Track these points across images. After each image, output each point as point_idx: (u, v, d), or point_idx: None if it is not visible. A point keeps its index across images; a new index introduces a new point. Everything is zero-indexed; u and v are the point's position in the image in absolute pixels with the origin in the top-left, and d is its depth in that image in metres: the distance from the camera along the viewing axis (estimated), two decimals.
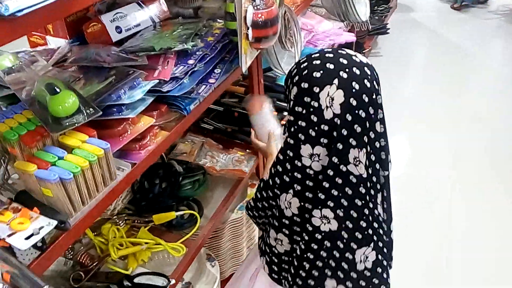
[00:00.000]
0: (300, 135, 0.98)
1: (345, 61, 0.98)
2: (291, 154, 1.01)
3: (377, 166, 1.01)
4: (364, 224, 1.02)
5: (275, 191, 1.07)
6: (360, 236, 1.02)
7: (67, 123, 0.97)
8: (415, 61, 4.41)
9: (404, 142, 3.20)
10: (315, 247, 1.03)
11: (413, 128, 3.33)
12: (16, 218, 0.86)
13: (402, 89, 3.81)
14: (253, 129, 1.46)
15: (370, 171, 0.99)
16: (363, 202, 1.00)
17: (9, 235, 0.83)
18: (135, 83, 1.13)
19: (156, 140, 1.14)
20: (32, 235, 0.84)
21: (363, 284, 1.06)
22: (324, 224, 1.01)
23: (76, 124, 0.97)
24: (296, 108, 1.00)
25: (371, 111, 0.97)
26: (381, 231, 1.06)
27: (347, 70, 0.96)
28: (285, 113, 2.00)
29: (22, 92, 1.06)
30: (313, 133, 0.96)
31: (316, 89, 0.96)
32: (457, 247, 2.38)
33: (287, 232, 1.08)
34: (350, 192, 0.98)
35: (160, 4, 1.52)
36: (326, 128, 0.96)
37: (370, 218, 1.03)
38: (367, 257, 1.05)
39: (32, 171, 0.89)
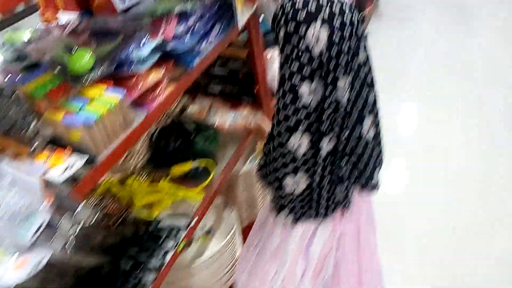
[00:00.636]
0: (295, 75, 1.07)
1: (325, 1, 1.06)
2: (289, 98, 1.10)
3: (365, 90, 1.12)
4: (352, 141, 1.17)
5: (283, 139, 1.15)
6: (351, 151, 1.18)
7: (85, 78, 1.12)
8: (417, 20, 4.42)
9: (410, 104, 3.25)
10: (320, 171, 1.17)
11: (420, 90, 3.37)
12: (52, 156, 1.01)
13: (404, 53, 3.85)
14: None
15: (356, 95, 1.10)
16: (353, 124, 1.13)
17: (46, 170, 0.98)
18: (142, 42, 1.26)
19: (166, 92, 1.28)
20: (66, 169, 0.99)
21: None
22: (325, 150, 1.14)
23: (93, 79, 1.12)
24: (286, 48, 1.08)
25: (354, 42, 1.06)
26: (367, 150, 1.19)
27: (328, 7, 1.04)
28: None
29: (43, 59, 1.22)
30: (308, 70, 1.06)
31: (302, 29, 1.03)
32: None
33: (303, 170, 1.18)
34: (340, 117, 1.10)
35: None
36: (317, 63, 1.05)
37: (359, 136, 1.17)
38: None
39: (60, 118, 1.04)
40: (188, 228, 1.47)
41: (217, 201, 1.85)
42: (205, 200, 1.57)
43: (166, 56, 1.32)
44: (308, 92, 1.08)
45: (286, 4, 1.11)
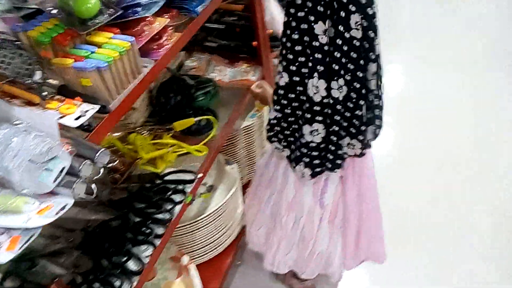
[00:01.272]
0: (309, 16, 1.06)
1: None
2: (307, 38, 1.08)
3: (371, 33, 1.10)
4: (366, 88, 1.15)
5: (302, 83, 1.14)
6: (364, 92, 1.15)
7: (93, 23, 1.07)
8: None
9: (400, 64, 3.24)
10: (337, 117, 1.16)
11: (413, 51, 3.37)
12: (63, 105, 0.97)
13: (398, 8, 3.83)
14: None
15: (367, 38, 1.09)
16: (361, 62, 1.11)
17: (60, 118, 0.95)
18: None
19: (172, 40, 1.24)
20: (80, 116, 0.96)
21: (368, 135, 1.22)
22: (340, 93, 1.13)
23: (100, 23, 1.07)
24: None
25: None
26: (376, 92, 1.18)
27: None
28: None
29: (45, 5, 1.16)
30: (321, 8, 1.05)
31: None
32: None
33: (320, 118, 1.17)
34: (354, 55, 1.09)
35: None
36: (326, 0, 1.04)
37: (372, 83, 1.16)
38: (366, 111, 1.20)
39: (70, 64, 1.00)
40: (195, 182, 1.46)
41: (218, 157, 1.84)
42: (208, 155, 1.56)
43: (169, 3, 1.28)
44: (322, 33, 1.07)
45: None
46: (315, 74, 1.11)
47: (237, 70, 1.88)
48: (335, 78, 1.11)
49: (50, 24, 1.09)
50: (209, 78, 1.82)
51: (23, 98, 0.97)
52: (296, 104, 1.21)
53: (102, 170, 0.89)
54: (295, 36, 1.10)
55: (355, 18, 1.06)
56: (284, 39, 1.15)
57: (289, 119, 1.25)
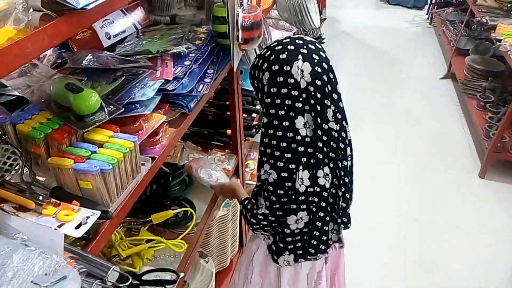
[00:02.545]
0: (289, 112, 1.12)
1: (300, 41, 1.15)
2: (290, 134, 1.13)
3: (344, 123, 1.18)
4: (346, 173, 1.22)
5: (290, 178, 1.15)
6: (344, 183, 1.22)
7: (92, 120, 1.01)
8: (345, 68, 4.73)
9: None
10: (323, 204, 1.20)
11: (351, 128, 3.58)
12: (59, 211, 0.88)
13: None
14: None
15: (339, 127, 1.17)
16: (341, 152, 1.18)
17: (58, 226, 0.85)
18: (144, 82, 1.19)
19: (167, 136, 1.20)
20: (80, 224, 0.87)
21: (345, 220, 1.28)
22: (327, 181, 1.17)
23: (101, 121, 1.01)
24: (271, 90, 1.13)
25: (331, 75, 1.15)
26: (347, 179, 1.24)
27: (304, 47, 1.13)
28: (254, 115, 2.12)
29: (32, 95, 1.09)
30: (299, 104, 1.11)
31: (287, 68, 1.11)
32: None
33: (304, 206, 1.19)
34: (334, 145, 1.16)
35: (141, 11, 1.59)
36: (304, 95, 1.11)
37: (349, 168, 1.23)
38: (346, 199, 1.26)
39: (70, 165, 0.91)
40: (177, 283, 1.35)
41: None
42: (188, 250, 1.48)
43: (160, 99, 1.25)
44: (302, 126, 1.13)
45: (264, 53, 1.17)
46: (300, 167, 1.14)
47: (212, 157, 1.86)
48: (321, 167, 1.16)
49: (42, 118, 1.02)
50: (183, 165, 1.77)
51: (14, 202, 0.87)
52: (285, 199, 1.21)
53: None
54: (279, 133, 1.13)
55: (331, 112, 1.14)
56: (266, 139, 1.17)
57: (278, 213, 1.24)
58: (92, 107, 1.02)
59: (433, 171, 3.12)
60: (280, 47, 1.14)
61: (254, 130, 2.04)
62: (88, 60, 1.25)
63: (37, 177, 0.99)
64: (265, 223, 1.27)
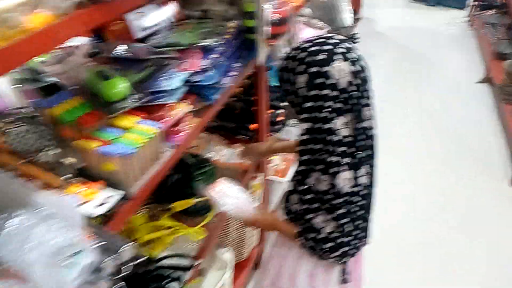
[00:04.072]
0: (327, 113, 1.10)
1: (334, 40, 1.14)
2: (326, 136, 1.11)
3: (374, 121, 1.17)
4: (377, 169, 1.22)
5: (331, 180, 1.13)
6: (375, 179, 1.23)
7: (120, 106, 1.06)
8: (378, 68, 4.68)
9: None
10: (363, 202, 1.20)
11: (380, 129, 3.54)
12: (84, 190, 0.93)
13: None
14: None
15: (374, 125, 1.17)
16: (374, 150, 1.19)
17: (81, 204, 0.90)
18: (171, 73, 1.23)
19: (191, 125, 1.24)
20: (102, 203, 0.92)
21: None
22: (368, 178, 1.18)
23: (127, 107, 1.06)
24: (311, 92, 1.11)
25: (367, 72, 1.14)
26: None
27: (339, 46, 1.12)
28: (280, 111, 2.14)
29: (67, 81, 1.15)
30: (339, 105, 1.09)
31: (326, 68, 1.09)
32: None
33: (343, 209, 1.16)
34: (370, 144, 1.16)
35: (174, 6, 1.63)
36: (345, 95, 1.10)
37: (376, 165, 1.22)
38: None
39: (96, 147, 0.97)
40: (191, 270, 1.40)
41: None
42: (206, 238, 1.52)
43: (187, 90, 1.29)
44: (344, 126, 1.11)
45: (297, 54, 1.14)
46: (343, 167, 1.13)
47: (233, 151, 1.89)
48: (362, 166, 1.15)
49: (74, 103, 1.08)
50: (207, 158, 1.81)
51: (42, 179, 0.93)
52: (323, 195, 1.19)
53: (125, 267, 0.83)
54: (322, 136, 1.12)
55: (367, 110, 1.13)
56: (311, 145, 1.15)
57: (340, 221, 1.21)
58: (120, 94, 1.07)
59: (462, 176, 3.05)
60: (315, 47, 1.12)
61: (279, 126, 2.06)
62: (120, 50, 1.31)
63: (67, 158, 1.05)
64: (333, 243, 1.20)
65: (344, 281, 1.31)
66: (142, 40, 1.48)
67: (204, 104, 1.33)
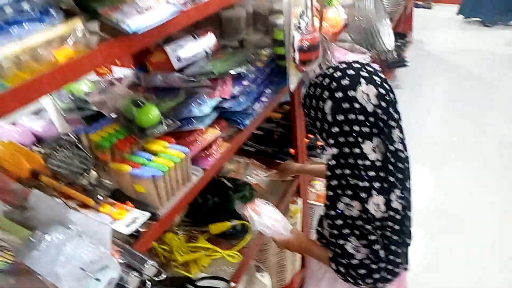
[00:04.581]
0: (358, 138, 1.10)
1: (357, 65, 1.15)
2: (356, 161, 1.11)
3: (404, 141, 1.16)
4: (410, 192, 1.19)
5: (362, 206, 1.12)
6: (410, 203, 1.20)
7: (152, 132, 1.13)
8: (433, 92, 4.54)
9: (429, 174, 3.25)
10: (397, 227, 1.17)
11: (437, 160, 3.40)
12: (115, 210, 1.00)
13: (423, 120, 3.93)
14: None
15: (403, 146, 1.15)
16: (406, 172, 1.16)
17: (111, 223, 0.97)
18: (202, 100, 1.30)
19: (221, 150, 1.29)
20: (130, 223, 0.97)
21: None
22: (399, 204, 1.15)
23: (160, 133, 1.13)
24: (337, 117, 1.11)
25: (392, 95, 1.13)
26: (410, 199, 1.21)
27: (363, 70, 1.13)
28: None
29: (106, 109, 1.24)
30: (367, 129, 1.09)
31: (351, 93, 1.10)
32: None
33: (379, 232, 1.15)
34: (401, 166, 1.14)
35: (211, 37, 1.72)
36: (372, 119, 1.09)
37: (410, 187, 1.20)
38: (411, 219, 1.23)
39: (128, 170, 1.04)
40: None
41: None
42: (242, 262, 1.53)
43: (219, 116, 1.35)
44: (371, 151, 1.11)
45: (321, 81, 1.16)
46: (374, 192, 1.12)
47: (269, 175, 1.92)
48: (393, 190, 1.14)
49: (110, 129, 1.16)
50: (246, 181, 1.85)
51: (78, 200, 1.01)
52: (357, 221, 1.17)
53: (148, 284, 0.88)
54: (352, 161, 1.12)
55: (396, 132, 1.12)
56: (339, 170, 1.14)
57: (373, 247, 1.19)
58: (152, 121, 1.14)
59: None
60: (339, 73, 1.13)
61: (318, 151, 2.06)
62: (158, 79, 1.40)
63: (103, 180, 1.13)
64: (366, 269, 1.19)
65: None
66: (181, 70, 1.57)
67: (234, 130, 1.37)
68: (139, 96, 1.20)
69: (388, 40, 2.32)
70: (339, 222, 1.18)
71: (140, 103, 1.14)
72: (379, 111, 1.10)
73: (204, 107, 1.27)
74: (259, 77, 1.49)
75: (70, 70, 0.72)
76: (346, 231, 1.18)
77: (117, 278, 0.83)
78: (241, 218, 1.70)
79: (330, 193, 1.19)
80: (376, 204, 1.12)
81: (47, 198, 0.95)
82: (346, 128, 1.11)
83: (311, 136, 2.11)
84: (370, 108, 1.09)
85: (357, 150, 1.10)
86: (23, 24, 0.74)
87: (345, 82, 1.11)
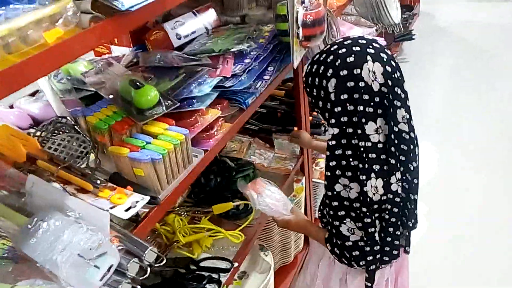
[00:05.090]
0: (362, 118, 1.06)
1: (363, 41, 1.10)
2: (358, 142, 1.07)
3: (412, 122, 1.10)
4: (415, 175, 1.14)
5: (360, 190, 1.10)
6: (414, 186, 1.15)
7: (150, 114, 1.10)
8: (440, 65, 4.45)
9: (432, 147, 3.21)
10: (395, 210, 1.13)
11: (443, 134, 3.36)
12: (114, 194, 0.98)
13: (429, 94, 3.87)
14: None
15: (408, 127, 1.09)
16: (411, 154, 1.11)
17: (111, 208, 0.95)
18: (202, 79, 1.26)
19: (222, 131, 1.26)
20: (130, 207, 0.95)
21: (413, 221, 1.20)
22: (399, 186, 1.11)
23: (158, 114, 1.10)
24: (341, 96, 1.07)
25: (398, 73, 1.09)
26: (416, 181, 1.16)
27: (370, 46, 1.08)
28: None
29: (104, 90, 1.21)
30: (371, 109, 1.05)
31: (357, 71, 1.05)
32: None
33: (377, 215, 1.12)
34: (405, 148, 1.09)
35: (212, 13, 1.66)
36: (378, 99, 1.05)
37: (417, 168, 1.15)
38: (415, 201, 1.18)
39: (126, 153, 1.01)
40: (230, 272, 1.41)
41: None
42: (245, 242, 1.53)
43: (220, 95, 1.31)
44: (374, 132, 1.07)
45: (325, 58, 1.10)
46: (372, 175, 1.08)
47: (275, 155, 1.89)
48: (394, 173, 1.10)
49: (108, 111, 1.13)
50: (249, 161, 1.83)
51: (76, 184, 0.98)
52: (355, 202, 1.14)
53: (149, 269, 0.86)
54: (355, 142, 1.08)
55: (401, 113, 1.07)
56: (339, 151, 1.10)
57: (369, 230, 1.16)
58: (150, 102, 1.11)
59: None
60: (344, 49, 1.08)
61: (322, 129, 2.03)
62: (157, 59, 1.36)
63: (101, 164, 1.10)
64: (359, 251, 1.18)
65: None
66: (181, 47, 1.53)
67: (237, 109, 1.34)
68: (137, 76, 1.17)
69: (395, 12, 2.25)
70: (335, 203, 1.16)
71: (139, 84, 1.11)
72: (384, 90, 1.05)
73: (204, 86, 1.23)
74: (261, 54, 1.44)
75: (61, 52, 0.68)
76: (341, 212, 1.15)
77: (116, 265, 0.81)
78: (244, 198, 1.69)
79: (328, 173, 1.15)
80: (374, 187, 1.09)
81: (44, 184, 0.93)
82: (350, 107, 1.07)
83: (315, 113, 2.07)
84: (375, 87, 1.05)
85: (359, 131, 1.06)
86: (11, 4, 0.70)
87: (350, 59, 1.06)
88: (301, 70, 1.70)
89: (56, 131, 1.10)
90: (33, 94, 1.41)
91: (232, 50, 1.39)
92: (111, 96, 1.16)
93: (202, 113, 1.22)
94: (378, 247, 1.16)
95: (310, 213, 2.13)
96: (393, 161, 1.09)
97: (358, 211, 1.13)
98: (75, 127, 1.13)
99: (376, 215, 1.13)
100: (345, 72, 1.06)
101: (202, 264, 1.44)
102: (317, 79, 1.12)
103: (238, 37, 1.50)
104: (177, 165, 1.08)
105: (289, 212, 1.40)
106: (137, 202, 0.97)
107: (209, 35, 1.59)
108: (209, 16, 1.64)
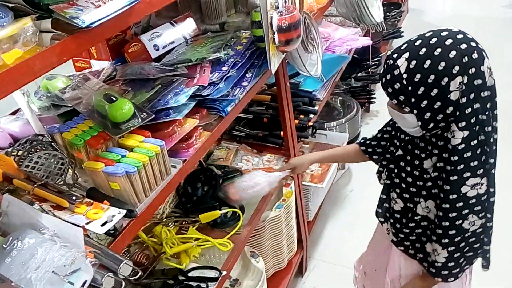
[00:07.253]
0: (487, 115, 1.06)
1: (461, 35, 1.05)
2: (489, 139, 1.08)
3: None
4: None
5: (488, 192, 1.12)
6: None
7: (125, 127, 1.10)
8: None
9: None
10: (493, 209, 1.17)
11: None
12: (90, 210, 0.98)
13: None
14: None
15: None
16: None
17: (87, 223, 0.95)
18: (178, 89, 1.26)
19: (201, 140, 1.26)
20: (106, 222, 0.95)
21: None
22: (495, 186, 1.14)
23: (133, 127, 1.10)
24: (470, 96, 1.02)
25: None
26: None
27: (472, 41, 1.04)
28: (311, 116, 2.10)
29: (81, 106, 1.21)
30: (487, 104, 1.05)
31: (482, 68, 1.02)
32: None
33: (481, 211, 1.15)
34: (494, 147, 1.11)
35: (190, 22, 1.67)
36: (493, 95, 1.06)
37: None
38: None
39: (101, 168, 1.01)
40: (219, 281, 1.41)
41: (243, 249, 1.79)
42: (234, 250, 1.52)
43: (199, 104, 1.32)
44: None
45: (442, 53, 1.02)
46: (480, 170, 1.10)
47: (261, 158, 1.89)
48: (492, 172, 1.13)
49: (85, 126, 1.13)
50: (236, 168, 1.82)
51: (53, 201, 0.98)
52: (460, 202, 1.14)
53: (123, 283, 0.86)
54: (482, 137, 1.09)
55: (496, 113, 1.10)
56: (469, 153, 1.08)
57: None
58: (125, 115, 1.11)
59: None
60: (465, 45, 1.02)
61: (309, 131, 2.03)
62: (134, 71, 1.36)
63: (81, 179, 1.11)
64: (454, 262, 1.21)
65: None
66: (160, 58, 1.53)
67: (216, 117, 1.34)
68: (114, 90, 1.17)
69: (377, 12, 2.25)
70: (460, 204, 1.12)
71: (113, 98, 1.11)
72: (494, 86, 1.06)
73: (181, 96, 1.24)
74: (239, 61, 1.45)
75: (21, 72, 0.69)
76: (465, 211, 1.13)
77: (90, 280, 0.81)
78: (231, 207, 1.69)
79: (454, 177, 1.09)
80: (481, 184, 1.11)
81: (19, 203, 0.93)
82: (476, 105, 1.03)
83: (302, 116, 2.07)
84: (490, 83, 1.04)
85: (487, 128, 1.06)
86: None
87: (475, 55, 1.01)
88: (282, 75, 1.71)
89: (33, 149, 1.11)
90: (14, 113, 1.42)
91: (209, 58, 1.39)
92: (87, 111, 1.16)
93: (180, 123, 1.22)
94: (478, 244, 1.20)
95: (302, 217, 2.13)
96: (491, 160, 1.11)
97: (483, 206, 1.14)
98: (52, 144, 1.13)
99: (482, 214, 1.15)
100: (473, 70, 1.01)
101: (190, 274, 1.44)
102: (434, 77, 1.02)
103: (216, 45, 1.50)
104: (154, 176, 1.08)
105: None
106: (113, 216, 0.97)
107: (188, 44, 1.60)
108: (188, 26, 1.65)
